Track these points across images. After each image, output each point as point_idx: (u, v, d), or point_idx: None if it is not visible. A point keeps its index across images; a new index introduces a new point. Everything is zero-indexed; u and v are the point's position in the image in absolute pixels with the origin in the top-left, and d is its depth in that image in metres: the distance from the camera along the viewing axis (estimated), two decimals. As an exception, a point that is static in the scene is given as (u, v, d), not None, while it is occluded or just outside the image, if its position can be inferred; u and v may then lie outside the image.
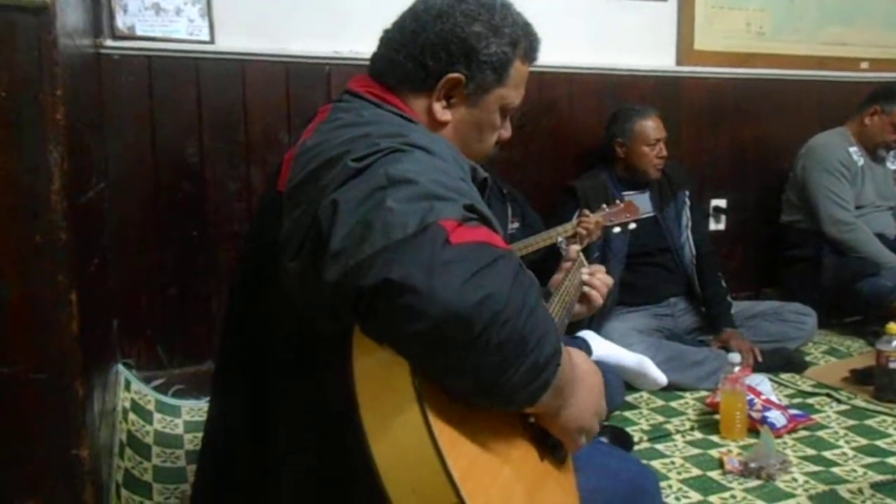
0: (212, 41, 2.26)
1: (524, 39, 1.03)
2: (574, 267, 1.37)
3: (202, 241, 2.30)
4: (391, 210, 0.70)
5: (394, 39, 1.02)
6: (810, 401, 2.25)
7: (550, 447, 0.92)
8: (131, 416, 2.02)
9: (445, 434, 0.71)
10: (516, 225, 2.41)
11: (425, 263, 0.67)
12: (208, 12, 2.24)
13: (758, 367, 2.42)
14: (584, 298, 1.33)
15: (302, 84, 2.35)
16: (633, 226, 2.26)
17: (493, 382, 0.72)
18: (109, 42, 2.13)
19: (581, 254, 1.44)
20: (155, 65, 2.21)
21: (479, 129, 1.04)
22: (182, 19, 2.21)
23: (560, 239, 2.12)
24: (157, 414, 2.14)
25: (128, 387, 2.15)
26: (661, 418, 2.16)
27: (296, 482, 0.86)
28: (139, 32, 2.16)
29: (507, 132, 1.09)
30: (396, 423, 0.70)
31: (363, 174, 0.76)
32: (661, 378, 2.25)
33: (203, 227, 2.30)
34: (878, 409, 2.15)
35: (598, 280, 1.34)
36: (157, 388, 2.27)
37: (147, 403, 2.16)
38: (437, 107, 0.99)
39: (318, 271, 0.72)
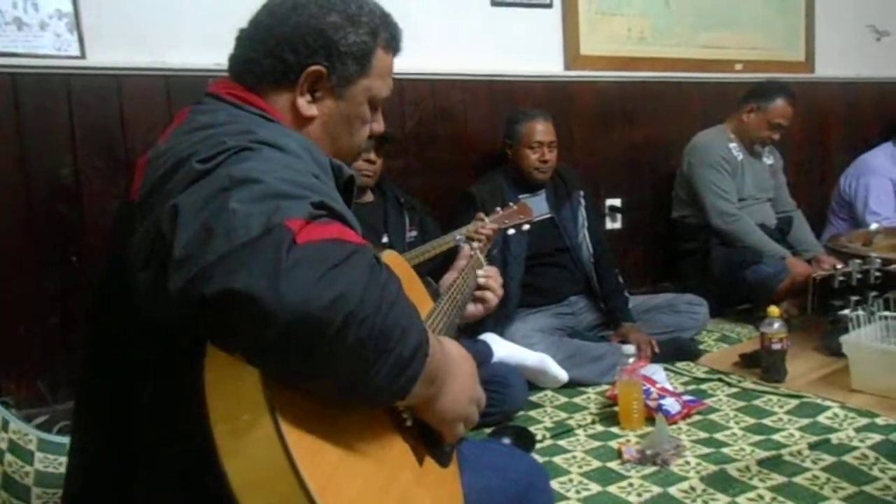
0: (83, 56, 2.15)
1: (383, 29, 1.01)
2: (469, 266, 1.37)
3: (83, 265, 2.18)
4: (234, 212, 0.67)
5: (250, 37, 0.98)
6: (703, 386, 2.34)
7: (431, 446, 0.91)
8: (8, 457, 1.88)
9: (302, 445, 0.68)
10: (414, 233, 2.40)
11: (271, 268, 0.64)
12: (77, 26, 2.13)
13: (655, 358, 2.50)
14: (479, 299, 1.34)
15: (184, 97, 2.26)
16: (527, 227, 2.28)
17: (356, 383, 0.69)
18: (-34, 60, 2.00)
19: (478, 252, 1.44)
20: (20, 82, 2.08)
21: (349, 122, 1.01)
22: (48, 34, 2.09)
23: (458, 237, 2.12)
24: (38, 453, 1.99)
25: (5, 426, 2.00)
26: (564, 415, 2.19)
27: None
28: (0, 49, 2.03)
29: (378, 125, 1.07)
30: (248, 438, 0.67)
31: (207, 176, 0.72)
32: (563, 375, 2.29)
33: (83, 249, 2.18)
34: (765, 389, 2.26)
35: (494, 281, 1.34)
36: (40, 426, 2.12)
37: (28, 443, 2.02)
38: (302, 102, 0.96)
39: (164, 279, 0.68)
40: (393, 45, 1.03)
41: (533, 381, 2.33)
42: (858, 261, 1.34)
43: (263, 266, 0.64)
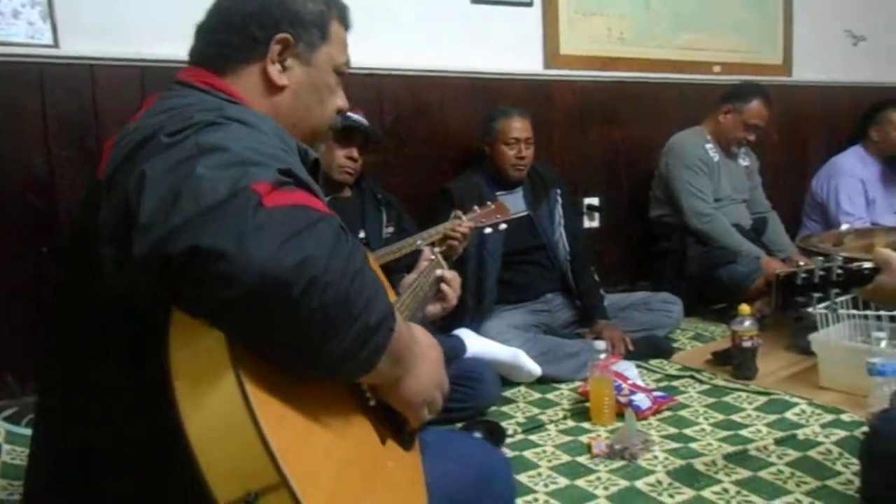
0: (56, 45, 2.13)
1: (333, 4, 1.05)
2: (429, 267, 1.38)
3: (54, 257, 2.16)
4: (201, 177, 0.68)
5: (212, 25, 1.01)
6: (675, 383, 2.36)
7: (394, 428, 0.92)
8: (-26, 449, 1.86)
9: (267, 408, 0.67)
10: (391, 230, 2.40)
11: (237, 228, 0.65)
12: (50, 15, 2.11)
13: (629, 356, 2.52)
14: (440, 297, 1.35)
15: (159, 87, 2.19)
16: (503, 226, 2.28)
17: (320, 350, 0.69)
18: (-63, 47, 1.98)
19: (439, 254, 1.45)
20: (-8, 71, 2.06)
21: (318, 90, 1.04)
22: (20, 22, 2.07)
23: (419, 242, 2.12)
24: (6, 446, 1.97)
25: (-28, 419, 1.98)
26: (536, 410, 2.20)
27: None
28: (-30, 36, 2.01)
29: (342, 101, 1.09)
30: (210, 396, 0.66)
31: (174, 147, 0.73)
32: (536, 369, 2.30)
33: (55, 241, 2.16)
34: (735, 386, 2.28)
35: (454, 281, 1.36)
36: (8, 419, 2.10)
37: (-5, 435, 2.00)
38: (273, 70, 0.99)
39: (130, 249, 0.68)
40: (345, 20, 1.07)
41: (506, 376, 2.34)
42: (821, 258, 1.35)
43: (230, 226, 0.65)
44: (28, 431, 2.07)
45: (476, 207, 2.26)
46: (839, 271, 1.35)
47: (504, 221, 2.28)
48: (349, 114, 2.21)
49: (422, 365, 0.87)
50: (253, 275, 0.64)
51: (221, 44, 0.99)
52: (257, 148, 0.74)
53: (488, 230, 2.27)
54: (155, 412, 0.71)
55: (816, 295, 1.33)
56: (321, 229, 0.69)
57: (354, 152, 2.29)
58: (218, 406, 0.65)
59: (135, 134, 0.80)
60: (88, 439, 0.83)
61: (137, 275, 0.68)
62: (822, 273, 1.36)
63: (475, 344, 2.29)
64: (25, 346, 2.15)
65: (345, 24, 1.07)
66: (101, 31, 2.20)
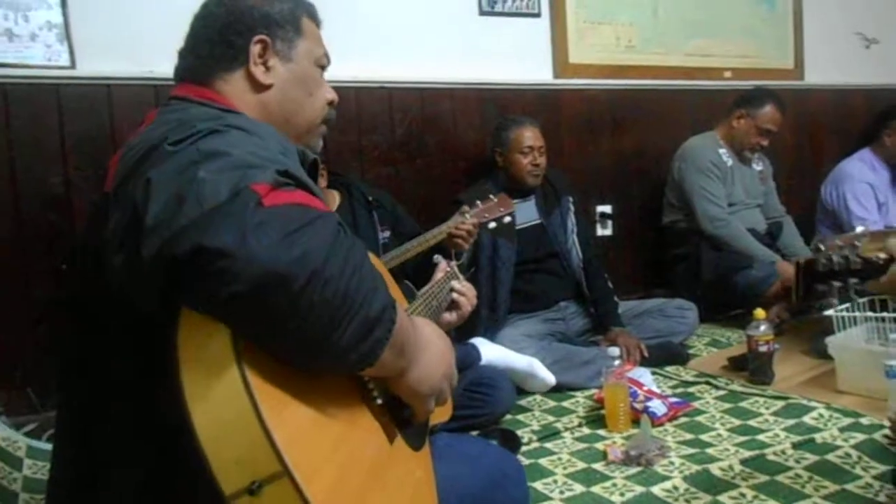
0: (73, 66, 2.18)
1: (300, 2, 1.09)
2: (444, 279, 1.39)
3: (69, 271, 2.19)
4: (203, 181, 0.71)
5: (192, 45, 1.05)
6: (691, 389, 2.34)
7: (402, 427, 0.92)
8: (-5, 463, 1.89)
9: (270, 401, 0.69)
10: (387, 234, 2.32)
11: (238, 226, 0.68)
12: (67, 37, 2.16)
13: (645, 363, 2.51)
14: (454, 306, 1.36)
15: None
16: (508, 219, 2.19)
17: (322, 342, 0.71)
18: (-43, 71, 2.03)
19: (454, 266, 1.47)
20: (11, 93, 2.12)
21: (303, 83, 1.07)
22: (38, 45, 2.12)
23: (436, 256, 2.10)
24: (27, 460, 2.00)
25: (-6, 433, 2.01)
26: (551, 418, 2.20)
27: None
28: (-9, 60, 2.07)
29: (332, 94, 1.12)
30: (215, 388, 0.68)
31: (178, 154, 0.76)
32: (550, 378, 2.30)
33: (69, 256, 2.19)
34: (752, 391, 2.26)
35: (467, 288, 1.38)
36: (29, 433, 2.13)
37: (17, 450, 2.02)
38: (257, 71, 1.02)
39: (137, 253, 0.71)
40: (314, 16, 1.10)
41: (521, 385, 2.34)
42: (840, 243, 1.39)
43: (231, 226, 0.68)
44: (48, 446, 2.10)
45: (478, 201, 2.19)
46: (856, 259, 1.36)
47: (508, 214, 2.20)
48: None
49: (428, 355, 0.89)
50: (255, 270, 0.67)
51: (204, 57, 1.02)
52: (257, 152, 0.77)
53: (492, 225, 2.18)
54: (164, 405, 0.73)
55: (836, 284, 1.36)
56: (319, 225, 0.72)
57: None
58: (222, 398, 0.67)
59: (139, 146, 0.83)
60: (100, 434, 0.85)
61: (146, 275, 0.71)
62: (841, 261, 1.38)
63: (490, 352, 2.29)
64: (46, 361, 2.18)
65: (315, 20, 1.10)
66: (116, 52, 2.24)
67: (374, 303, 0.74)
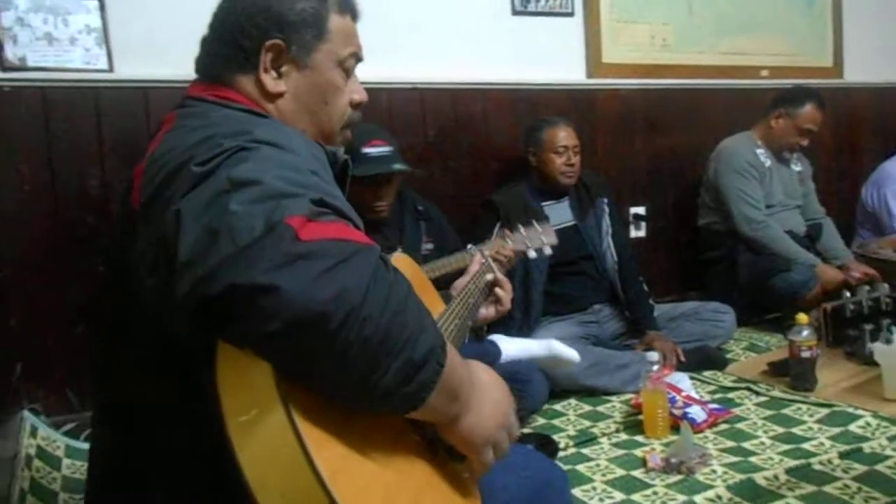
0: (111, 69, 2.20)
1: None
2: (480, 271, 1.37)
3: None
4: (235, 214, 0.68)
5: (208, 38, 1.01)
6: (731, 395, 2.29)
7: (452, 459, 0.89)
8: (36, 462, 1.91)
9: (314, 434, 0.68)
10: (430, 246, 2.31)
11: (273, 263, 0.65)
12: (105, 41, 2.18)
13: (681, 367, 2.46)
14: (493, 300, 1.34)
15: None
16: (548, 251, 2.09)
17: (362, 384, 0.69)
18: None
19: (489, 258, 1.44)
20: (50, 96, 2.14)
21: (321, 91, 1.00)
22: (77, 48, 2.14)
23: (469, 246, 2.06)
24: (66, 460, 2.02)
25: (34, 433, 2.04)
26: (587, 423, 2.16)
27: None
28: (31, 63, 2.09)
29: (359, 94, 1.06)
30: (260, 426, 0.67)
31: (206, 179, 0.73)
32: (573, 354, 2.20)
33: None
34: (794, 397, 2.21)
35: (505, 281, 1.35)
36: (68, 433, 2.15)
37: (56, 449, 2.05)
38: (267, 78, 0.96)
39: (171, 285, 0.69)
40: (348, 8, 1.03)
41: (550, 373, 2.26)
42: (867, 288, 1.30)
43: (267, 261, 0.65)
44: (86, 446, 2.12)
45: (521, 228, 2.07)
46: (888, 300, 1.29)
47: (550, 245, 2.09)
48: (367, 150, 2.10)
49: (483, 403, 0.83)
50: (290, 309, 0.64)
51: (216, 56, 0.98)
52: (289, 176, 0.73)
53: (533, 255, 2.10)
54: (204, 425, 0.72)
55: (868, 327, 1.28)
56: (357, 262, 0.68)
57: (381, 193, 2.17)
58: (269, 440, 0.67)
59: (164, 162, 0.79)
60: (139, 453, 0.84)
61: (181, 311, 0.69)
62: (870, 303, 1.30)
63: (509, 347, 2.23)
64: (84, 362, 2.20)
65: (350, 13, 1.03)
66: (153, 55, 2.26)
67: (420, 344, 0.70)
